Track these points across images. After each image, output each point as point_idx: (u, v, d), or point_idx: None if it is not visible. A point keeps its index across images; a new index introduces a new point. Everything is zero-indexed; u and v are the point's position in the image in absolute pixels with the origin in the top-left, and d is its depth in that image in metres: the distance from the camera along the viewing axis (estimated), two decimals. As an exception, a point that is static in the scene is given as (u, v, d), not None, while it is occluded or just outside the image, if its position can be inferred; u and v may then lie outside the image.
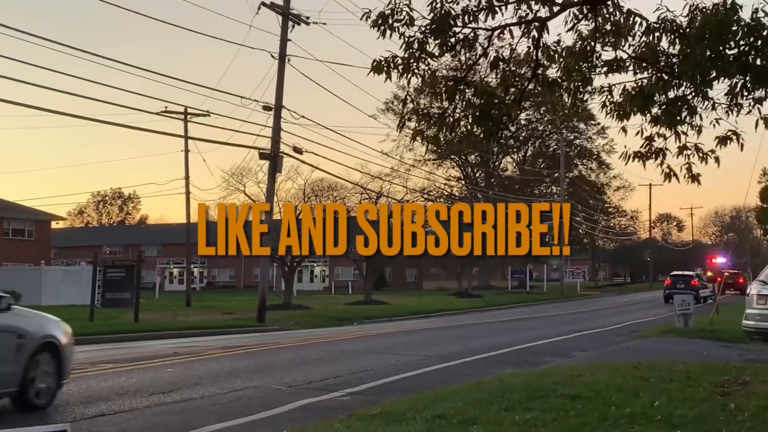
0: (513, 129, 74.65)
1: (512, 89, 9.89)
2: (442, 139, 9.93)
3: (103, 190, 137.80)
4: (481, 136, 9.75)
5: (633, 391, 10.69)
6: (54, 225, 74.34)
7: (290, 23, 32.70)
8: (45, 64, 25.10)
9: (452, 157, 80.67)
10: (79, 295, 45.00)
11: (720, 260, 69.41)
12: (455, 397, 10.15)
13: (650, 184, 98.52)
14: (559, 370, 13.69)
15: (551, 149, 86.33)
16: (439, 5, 9.00)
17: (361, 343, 22.36)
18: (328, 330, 29.22)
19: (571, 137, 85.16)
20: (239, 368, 15.59)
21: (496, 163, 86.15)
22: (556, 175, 79.12)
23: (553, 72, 10.09)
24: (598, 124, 79.46)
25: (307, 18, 33.09)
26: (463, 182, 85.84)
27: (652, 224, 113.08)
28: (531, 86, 10.05)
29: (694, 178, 9.97)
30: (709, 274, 62.21)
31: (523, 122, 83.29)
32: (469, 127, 9.66)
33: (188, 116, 47.33)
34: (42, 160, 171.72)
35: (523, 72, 10.34)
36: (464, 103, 9.67)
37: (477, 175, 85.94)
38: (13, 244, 61.43)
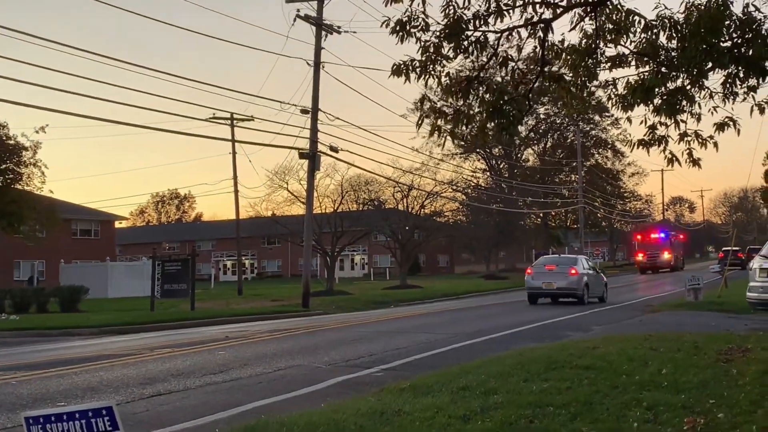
0: (529, 122, 74.21)
1: (522, 86, 9.82)
2: (459, 133, 9.90)
3: (161, 191, 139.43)
4: (495, 130, 9.70)
5: (643, 360, 10.61)
6: (117, 224, 75.27)
7: (323, 33, 32.70)
8: (107, 80, 25.51)
9: (477, 150, 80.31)
10: (141, 287, 45.56)
11: (658, 235, 73.23)
12: (479, 371, 10.13)
13: (662, 170, 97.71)
14: (576, 343, 13.61)
15: (569, 140, 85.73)
16: (452, 11, 8.94)
17: (395, 323, 22.37)
18: (366, 313, 29.29)
19: (587, 128, 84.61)
20: (284, 349, 15.70)
21: (519, 155, 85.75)
22: (574, 164, 78.59)
23: (560, 68, 10.02)
24: (612, 115, 78.61)
25: (339, 27, 33.01)
26: (488, 173, 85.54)
27: (666, 207, 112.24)
28: (539, 82, 9.98)
29: (695, 162, 9.83)
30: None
31: (542, 116, 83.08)
32: (483, 121, 9.59)
33: (234, 121, 47.73)
34: (105, 165, 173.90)
35: (531, 69, 10.26)
36: (478, 99, 9.63)
37: (501, 166, 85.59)
38: (81, 243, 62.35)
